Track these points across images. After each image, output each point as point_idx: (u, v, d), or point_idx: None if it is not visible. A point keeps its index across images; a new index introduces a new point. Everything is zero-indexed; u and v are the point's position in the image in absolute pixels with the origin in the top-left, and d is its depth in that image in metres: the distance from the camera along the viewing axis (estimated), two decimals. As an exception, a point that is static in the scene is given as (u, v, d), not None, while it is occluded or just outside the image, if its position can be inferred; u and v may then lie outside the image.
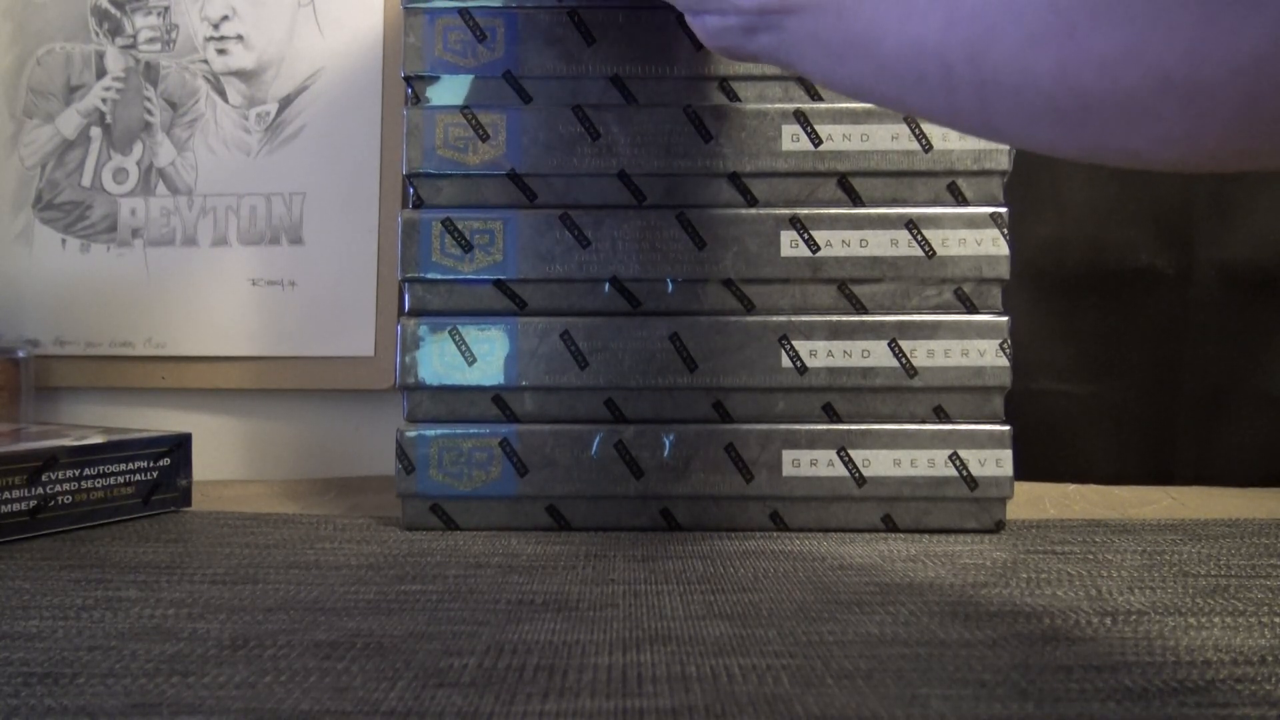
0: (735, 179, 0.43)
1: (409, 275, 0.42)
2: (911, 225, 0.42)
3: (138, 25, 0.60)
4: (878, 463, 0.42)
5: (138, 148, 0.60)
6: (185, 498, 0.47)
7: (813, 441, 0.42)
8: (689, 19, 0.36)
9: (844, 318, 0.42)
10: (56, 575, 0.35)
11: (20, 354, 0.57)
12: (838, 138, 0.42)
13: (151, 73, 0.60)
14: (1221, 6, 0.19)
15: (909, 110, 0.30)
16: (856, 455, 0.42)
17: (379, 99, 0.59)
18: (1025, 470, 0.45)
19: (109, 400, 0.60)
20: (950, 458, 0.42)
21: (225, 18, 0.60)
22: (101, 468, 0.43)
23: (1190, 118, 0.21)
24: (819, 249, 0.42)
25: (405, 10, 0.43)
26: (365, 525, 0.44)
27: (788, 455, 0.42)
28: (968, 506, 0.42)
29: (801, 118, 0.42)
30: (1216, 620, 0.30)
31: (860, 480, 0.42)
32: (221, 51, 0.60)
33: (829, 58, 0.30)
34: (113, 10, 0.60)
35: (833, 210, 0.42)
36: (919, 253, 0.42)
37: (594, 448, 0.42)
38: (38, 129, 0.60)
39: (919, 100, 0.27)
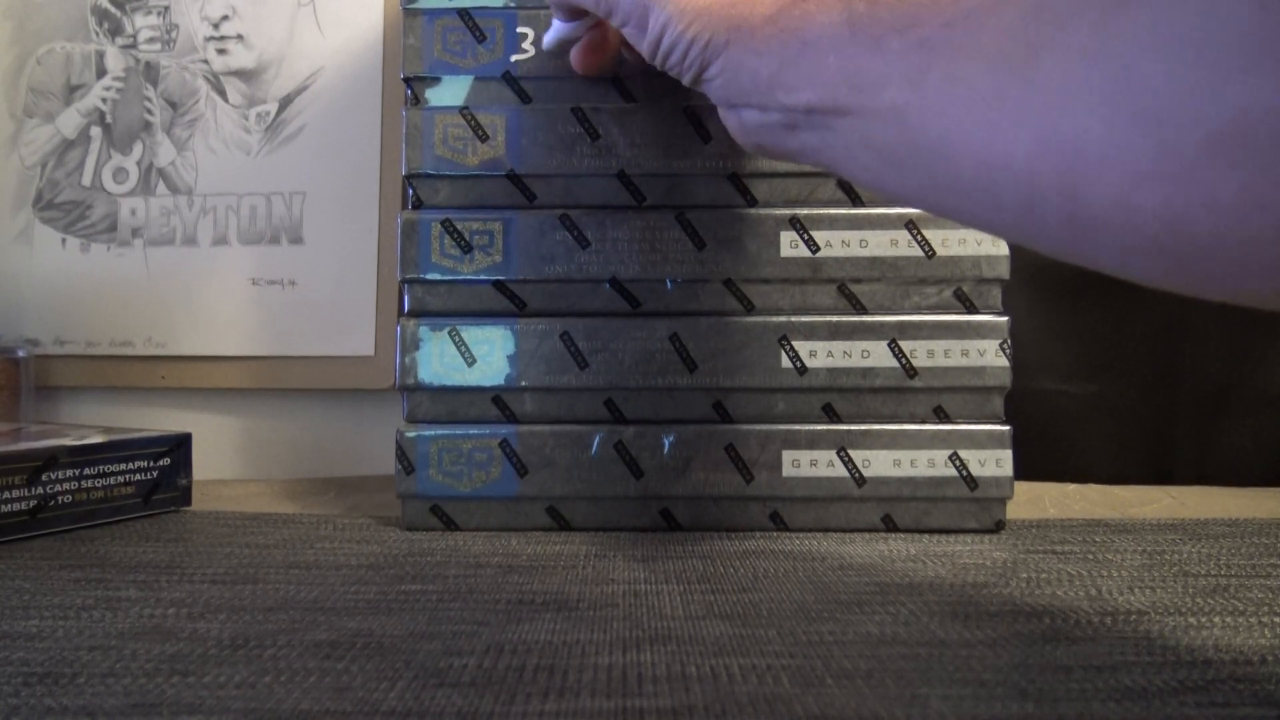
0: (735, 179, 0.43)
1: (409, 276, 0.42)
2: (911, 225, 0.42)
3: (138, 25, 0.60)
4: (878, 463, 0.42)
5: (138, 147, 0.60)
6: (185, 497, 0.47)
7: (813, 442, 0.42)
8: (722, 112, 0.34)
9: (844, 318, 0.42)
10: (56, 575, 0.35)
11: (20, 354, 0.57)
12: (838, 138, 0.42)
13: (151, 72, 0.60)
14: None
15: (974, 225, 0.28)
16: (856, 455, 0.42)
17: (379, 99, 0.59)
18: (1025, 470, 0.45)
19: (109, 400, 0.60)
20: (950, 458, 0.42)
21: (225, 17, 0.60)
22: (101, 467, 0.43)
23: None
24: (819, 249, 0.42)
25: (404, 11, 0.43)
26: (365, 525, 0.44)
27: (788, 455, 0.42)
28: (968, 506, 0.42)
29: (801, 118, 0.42)
30: (1216, 620, 0.30)
31: (860, 480, 0.42)
32: (221, 51, 0.60)
33: (884, 165, 0.28)
34: (113, 10, 0.60)
35: (833, 210, 0.42)
36: (919, 253, 0.42)
37: (594, 448, 0.42)
38: (38, 128, 0.60)
39: (991, 219, 0.25)
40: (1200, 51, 0.18)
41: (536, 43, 0.43)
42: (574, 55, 0.41)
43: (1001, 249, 0.42)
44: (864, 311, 0.42)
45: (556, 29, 0.41)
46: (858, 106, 0.27)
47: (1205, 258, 0.20)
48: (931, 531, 0.42)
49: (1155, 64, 0.19)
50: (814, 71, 0.29)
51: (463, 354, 0.42)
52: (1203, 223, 0.19)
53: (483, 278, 0.42)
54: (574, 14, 0.39)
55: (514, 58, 0.43)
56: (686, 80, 0.34)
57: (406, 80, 0.44)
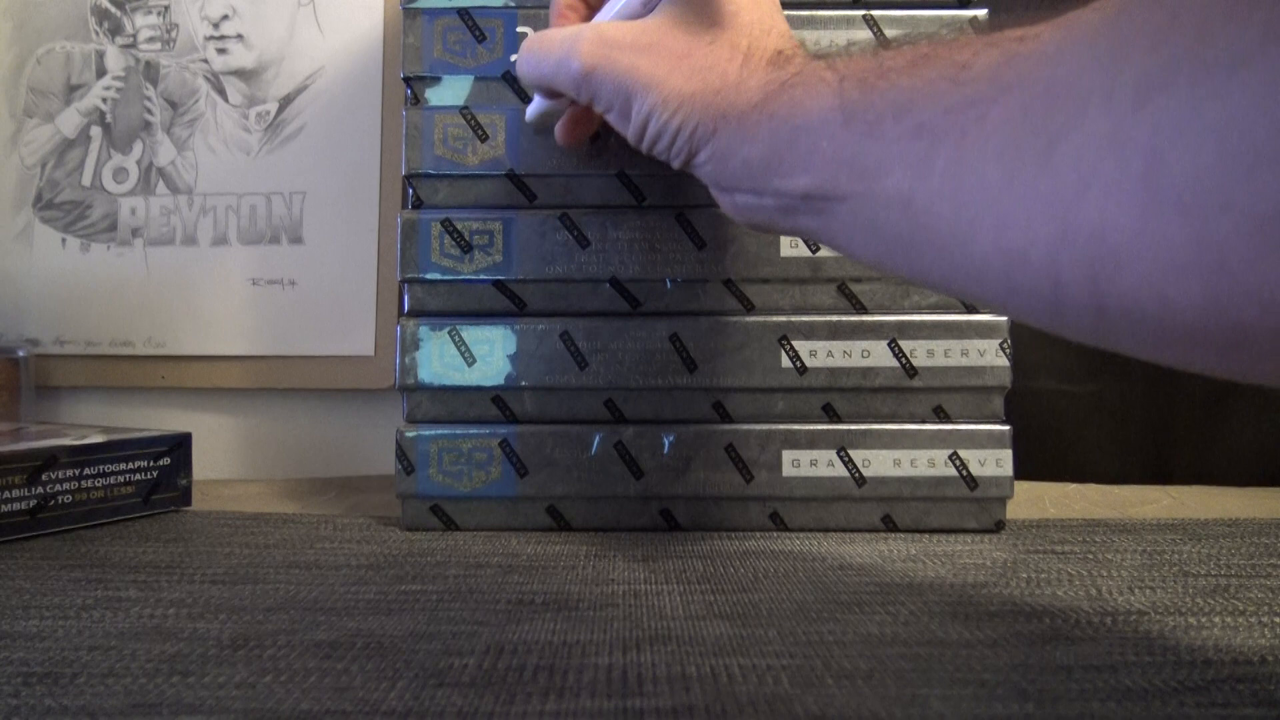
0: (735, 179, 0.42)
1: (408, 276, 0.42)
2: (911, 225, 0.42)
3: (138, 24, 0.60)
4: (878, 463, 0.42)
5: (138, 147, 0.60)
6: (185, 497, 0.47)
7: (813, 441, 0.42)
8: (715, 193, 0.33)
9: (844, 318, 0.42)
10: (56, 575, 0.35)
11: (20, 353, 0.57)
12: (838, 138, 0.42)
13: (151, 72, 0.60)
14: None
15: (994, 310, 0.27)
16: (856, 455, 0.42)
17: (379, 98, 0.59)
18: (1025, 470, 0.45)
19: (109, 400, 0.60)
20: (950, 458, 0.42)
21: (225, 17, 0.60)
22: (101, 467, 0.43)
23: None
24: (818, 249, 0.42)
25: (404, 11, 0.43)
26: (365, 525, 0.44)
27: (788, 455, 0.42)
28: (968, 506, 0.42)
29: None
30: (1216, 620, 0.30)
31: (860, 480, 0.42)
32: (221, 51, 0.60)
33: (892, 250, 0.27)
34: (113, 9, 0.60)
35: (833, 210, 0.42)
36: (919, 253, 0.42)
37: (594, 448, 0.42)
38: (38, 128, 0.60)
39: (1011, 305, 0.24)
40: (1233, 140, 0.18)
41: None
42: (558, 130, 0.40)
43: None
44: (864, 311, 0.42)
45: (539, 103, 0.40)
46: (859, 192, 0.27)
47: (1251, 347, 0.19)
48: (931, 531, 0.42)
49: (1185, 153, 0.18)
50: (808, 157, 0.28)
51: (463, 354, 0.42)
52: (1249, 313, 0.18)
53: (483, 278, 0.42)
54: (555, 93, 0.37)
55: (514, 57, 0.43)
56: (676, 165, 0.33)
57: (406, 80, 0.44)
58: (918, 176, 0.25)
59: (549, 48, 0.35)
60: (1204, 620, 0.30)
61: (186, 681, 0.24)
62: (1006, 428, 0.42)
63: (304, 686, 0.24)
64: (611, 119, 0.35)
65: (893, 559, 0.37)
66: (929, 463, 0.42)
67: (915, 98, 0.25)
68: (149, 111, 0.60)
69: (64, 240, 0.60)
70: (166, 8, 0.60)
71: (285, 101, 0.59)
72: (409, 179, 0.43)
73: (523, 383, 0.42)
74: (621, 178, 0.42)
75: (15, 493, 0.40)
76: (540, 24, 0.43)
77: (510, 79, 0.43)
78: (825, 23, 0.43)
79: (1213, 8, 0.18)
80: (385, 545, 0.40)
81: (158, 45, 0.60)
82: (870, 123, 0.26)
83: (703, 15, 0.33)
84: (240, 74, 0.59)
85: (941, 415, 0.42)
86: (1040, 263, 0.22)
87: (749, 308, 0.42)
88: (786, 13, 0.42)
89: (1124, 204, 0.20)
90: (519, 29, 0.43)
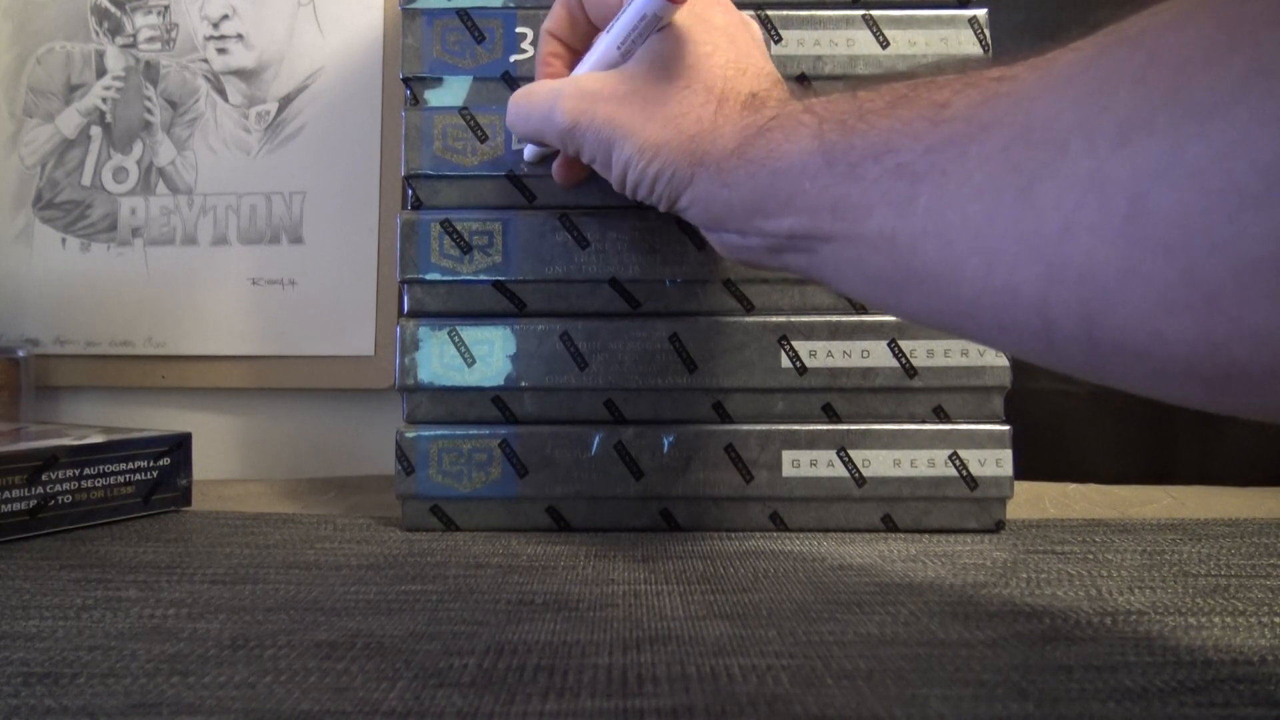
0: (735, 179, 0.42)
1: (408, 276, 0.42)
2: (911, 225, 0.42)
3: (138, 24, 0.60)
4: (878, 463, 0.42)
5: (138, 147, 0.60)
6: (185, 497, 0.47)
7: (812, 441, 0.42)
8: (704, 232, 0.34)
9: (844, 318, 0.42)
10: (56, 575, 0.35)
11: (20, 353, 0.57)
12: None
13: (151, 72, 0.60)
14: None
15: (986, 345, 0.27)
16: (856, 455, 0.42)
17: (379, 98, 0.59)
18: (1025, 470, 0.45)
19: (109, 400, 0.60)
20: (950, 458, 0.42)
21: (225, 17, 0.60)
22: (101, 467, 0.43)
23: None
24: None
25: (403, 11, 0.43)
26: (365, 525, 0.44)
27: (788, 455, 0.42)
28: (968, 506, 0.42)
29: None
30: (1216, 620, 0.30)
31: (860, 480, 0.42)
32: (221, 51, 0.60)
33: (880, 288, 0.27)
34: (113, 9, 0.60)
35: (833, 210, 0.42)
36: (919, 253, 0.42)
37: (594, 448, 0.42)
38: (38, 128, 0.60)
39: (1003, 341, 0.24)
40: (1216, 181, 0.18)
41: (535, 44, 0.43)
42: (555, 170, 0.41)
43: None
44: (864, 311, 0.42)
45: (533, 146, 0.41)
46: (843, 232, 0.27)
47: (1244, 382, 0.19)
48: (931, 531, 0.42)
49: (1169, 194, 0.18)
50: (791, 199, 0.28)
51: (462, 354, 0.42)
52: (1242, 350, 0.18)
53: (482, 278, 0.42)
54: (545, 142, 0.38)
55: (513, 58, 0.43)
56: (662, 209, 0.34)
57: (406, 80, 0.44)
58: (900, 216, 0.25)
59: (535, 103, 0.36)
60: (1204, 620, 0.30)
61: (186, 681, 0.24)
62: (1006, 428, 0.42)
63: (304, 686, 0.24)
64: (597, 168, 0.35)
65: (893, 559, 0.37)
66: (929, 463, 0.42)
67: (895, 138, 0.25)
68: (149, 111, 0.60)
69: (64, 240, 0.60)
70: (166, 8, 0.60)
71: (285, 101, 0.59)
72: (409, 179, 0.43)
73: (523, 383, 0.42)
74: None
75: (15, 493, 0.40)
76: (539, 24, 0.43)
77: (509, 80, 0.43)
78: (825, 23, 0.43)
79: (1192, 51, 0.19)
80: (385, 545, 0.40)
81: (158, 45, 0.60)
82: (851, 164, 0.26)
83: (676, 60, 0.33)
84: (240, 74, 0.59)
85: (941, 415, 0.42)
86: (1030, 300, 0.22)
87: (749, 308, 0.42)
88: (786, 13, 0.43)
89: (1110, 243, 0.20)
90: (518, 30, 0.43)
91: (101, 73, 0.60)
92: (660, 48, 0.33)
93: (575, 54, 0.38)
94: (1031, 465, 0.50)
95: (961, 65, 0.26)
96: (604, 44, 0.35)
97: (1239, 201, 0.17)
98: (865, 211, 0.26)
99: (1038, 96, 0.22)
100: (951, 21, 0.43)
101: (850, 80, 0.43)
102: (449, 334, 0.42)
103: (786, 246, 0.29)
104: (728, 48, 0.33)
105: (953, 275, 0.24)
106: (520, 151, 0.42)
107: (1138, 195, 0.19)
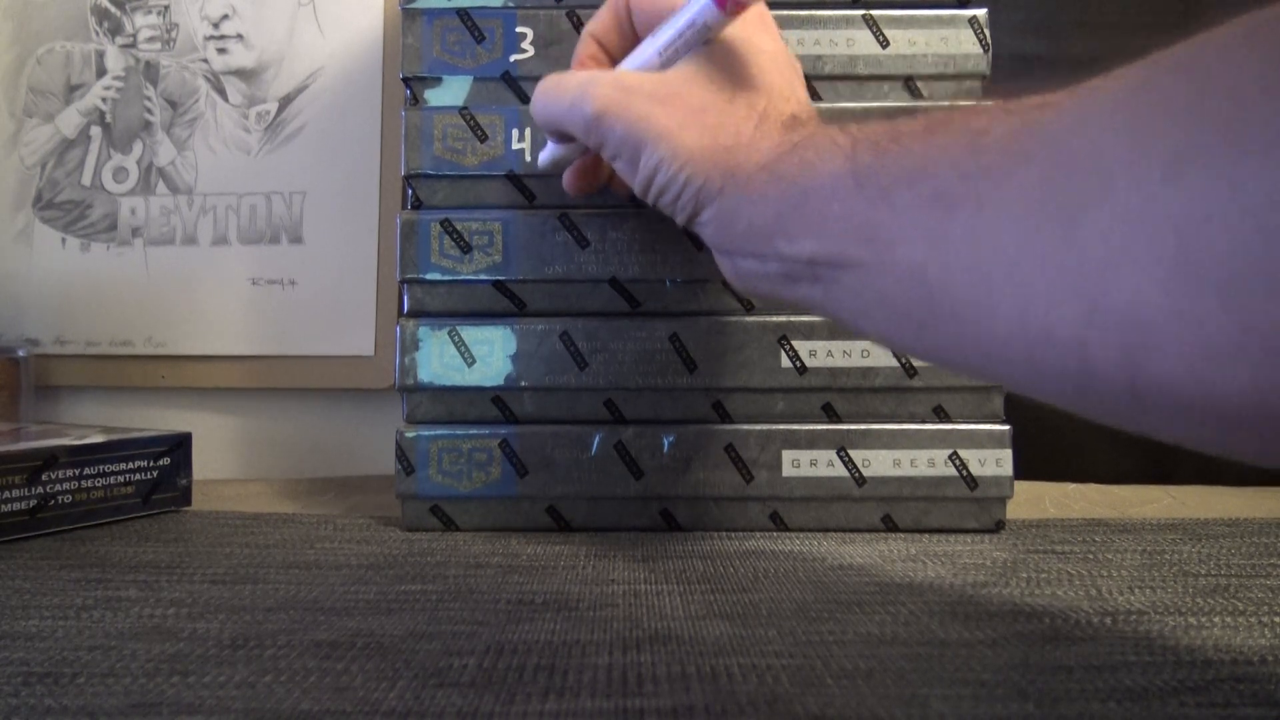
0: (735, 179, 0.42)
1: (408, 276, 0.42)
2: (911, 225, 0.42)
3: (138, 24, 0.60)
4: (878, 463, 0.42)
5: (138, 147, 0.60)
6: (185, 497, 0.47)
7: (812, 441, 0.42)
8: (716, 256, 0.33)
9: (844, 318, 0.42)
10: (56, 575, 0.35)
11: (20, 353, 0.57)
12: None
13: (151, 72, 0.60)
14: None
15: (1016, 390, 0.26)
16: (856, 455, 0.42)
17: (379, 98, 0.59)
18: (1025, 470, 0.45)
19: (109, 399, 0.60)
20: (950, 458, 0.42)
21: (225, 17, 0.60)
22: (101, 467, 0.43)
23: None
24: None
25: (403, 11, 0.43)
26: (365, 525, 0.44)
27: (787, 455, 0.42)
28: (968, 506, 0.42)
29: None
30: (1216, 620, 0.30)
31: (860, 480, 0.42)
32: (221, 50, 0.60)
33: (900, 322, 0.26)
34: (113, 9, 0.60)
35: (833, 210, 0.42)
36: (919, 253, 0.42)
37: (594, 448, 0.42)
38: (38, 128, 0.60)
39: (1035, 386, 0.23)
40: (1276, 219, 0.17)
41: (535, 44, 0.43)
42: (565, 178, 0.40)
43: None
44: (864, 311, 0.42)
45: (551, 149, 0.39)
46: (868, 261, 0.26)
47: None
48: (931, 531, 0.42)
49: (1223, 233, 0.17)
50: (817, 221, 0.27)
51: (462, 354, 0.42)
52: None
53: (482, 278, 0.42)
54: (566, 137, 0.36)
55: (513, 58, 0.43)
56: (680, 221, 0.33)
57: (406, 80, 0.44)
58: (932, 246, 0.24)
59: (564, 88, 0.34)
60: (1204, 620, 0.30)
61: (186, 681, 0.24)
62: (1006, 428, 0.42)
63: (304, 686, 0.24)
64: (619, 167, 0.34)
65: (893, 559, 0.37)
66: (929, 463, 0.42)
67: (930, 164, 0.24)
68: (149, 111, 0.60)
69: (64, 240, 0.60)
70: (166, 8, 0.60)
71: (285, 101, 0.59)
72: (408, 179, 0.43)
73: (523, 383, 0.42)
74: (621, 178, 0.42)
75: (15, 493, 0.40)
76: (538, 24, 0.43)
77: (509, 80, 0.43)
78: (825, 23, 0.43)
79: (1245, 81, 0.18)
80: (385, 545, 0.40)
81: (158, 45, 0.60)
82: (883, 188, 0.25)
83: (727, 73, 0.32)
84: (240, 74, 0.59)
85: (941, 415, 0.42)
86: (1067, 341, 0.21)
87: (749, 308, 0.42)
88: (786, 13, 0.43)
89: (1157, 283, 0.18)
90: (518, 29, 0.43)
91: (101, 73, 0.60)
92: (706, 59, 0.32)
93: (613, 62, 0.37)
94: (1031, 465, 0.50)
95: (1000, 92, 0.25)
96: (646, 48, 0.34)
97: None
98: (894, 239, 0.25)
99: (1081, 126, 0.21)
100: (951, 21, 0.43)
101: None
102: (449, 334, 0.42)
103: (805, 274, 0.28)
104: (775, 73, 0.32)
105: (984, 312, 0.23)
106: (520, 151, 0.42)
107: (1189, 233, 0.18)
